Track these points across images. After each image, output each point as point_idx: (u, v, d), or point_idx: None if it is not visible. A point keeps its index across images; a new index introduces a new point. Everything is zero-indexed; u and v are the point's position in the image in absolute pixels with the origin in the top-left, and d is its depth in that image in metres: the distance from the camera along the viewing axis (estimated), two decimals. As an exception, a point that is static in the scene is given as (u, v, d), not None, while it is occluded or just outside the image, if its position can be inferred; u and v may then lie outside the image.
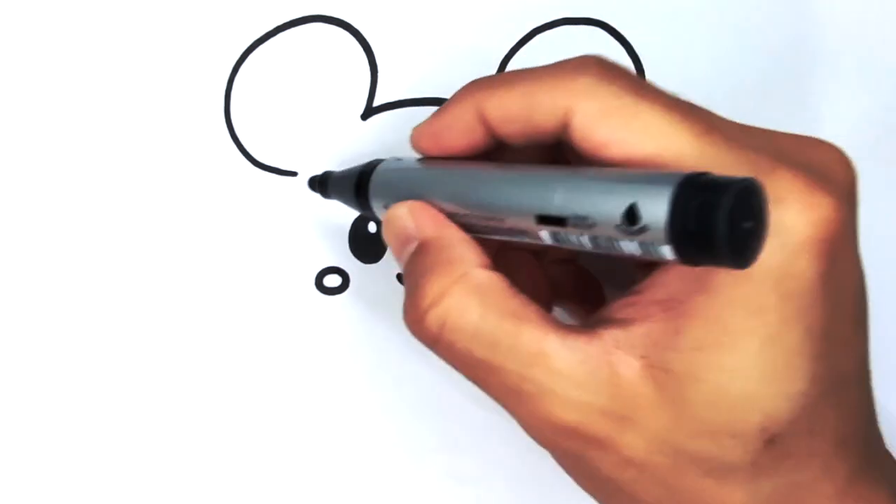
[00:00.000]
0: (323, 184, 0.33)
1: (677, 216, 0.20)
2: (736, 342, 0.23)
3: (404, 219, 0.27)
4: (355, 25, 0.35)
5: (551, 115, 0.24)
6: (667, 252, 0.20)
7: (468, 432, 0.36)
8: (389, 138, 0.35)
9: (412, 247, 0.27)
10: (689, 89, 0.36)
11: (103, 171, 0.35)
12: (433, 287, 0.25)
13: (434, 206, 0.27)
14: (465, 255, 0.25)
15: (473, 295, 0.25)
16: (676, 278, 0.23)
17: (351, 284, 0.35)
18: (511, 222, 0.24)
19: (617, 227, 0.21)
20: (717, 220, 0.19)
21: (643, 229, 0.20)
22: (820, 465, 0.24)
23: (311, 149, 0.35)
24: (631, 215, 0.21)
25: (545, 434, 0.25)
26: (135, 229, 0.35)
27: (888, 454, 0.29)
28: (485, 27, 0.36)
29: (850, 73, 0.37)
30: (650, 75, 0.35)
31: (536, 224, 0.23)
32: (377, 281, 0.35)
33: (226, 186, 0.35)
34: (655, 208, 0.20)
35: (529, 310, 0.25)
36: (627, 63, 0.36)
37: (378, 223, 0.30)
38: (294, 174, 0.35)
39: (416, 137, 0.28)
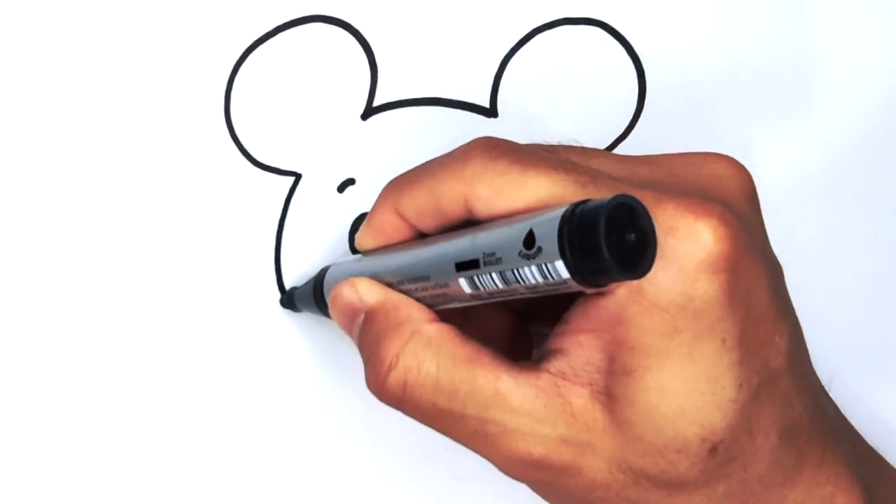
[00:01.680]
0: (290, 300, 0.35)
1: (565, 234, 0.22)
2: (658, 364, 0.25)
3: (347, 293, 0.29)
4: (355, 25, 0.35)
5: (454, 204, 0.27)
6: (563, 272, 0.22)
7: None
8: (389, 138, 0.35)
9: (360, 318, 0.28)
10: (689, 89, 0.36)
11: (103, 170, 0.35)
12: (388, 350, 0.27)
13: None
14: (411, 314, 0.27)
15: (427, 349, 0.26)
16: (596, 309, 0.25)
17: (351, 284, 0.35)
18: (435, 277, 0.26)
19: (519, 254, 0.23)
20: (598, 233, 0.21)
21: (539, 250, 0.23)
22: (766, 459, 0.26)
23: (311, 149, 0.35)
24: (529, 241, 0.23)
25: (515, 469, 0.27)
26: (135, 229, 0.35)
27: (848, 430, 0.31)
28: (485, 27, 0.36)
29: (850, 74, 0.38)
30: (650, 75, 0.35)
31: (456, 272, 0.25)
32: (377, 281, 0.35)
33: (226, 186, 0.35)
34: (548, 231, 0.22)
35: (482, 353, 0.26)
36: (627, 63, 0.36)
37: None
38: (294, 174, 0.35)
39: (359, 242, 0.31)
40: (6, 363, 0.34)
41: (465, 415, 0.26)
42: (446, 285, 0.26)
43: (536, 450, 0.26)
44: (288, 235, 0.35)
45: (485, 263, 0.24)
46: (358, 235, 0.30)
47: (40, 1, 0.35)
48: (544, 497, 0.28)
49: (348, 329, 0.29)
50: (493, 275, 0.24)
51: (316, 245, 0.35)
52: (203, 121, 0.35)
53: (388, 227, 0.29)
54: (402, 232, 0.29)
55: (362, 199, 0.35)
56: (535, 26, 0.36)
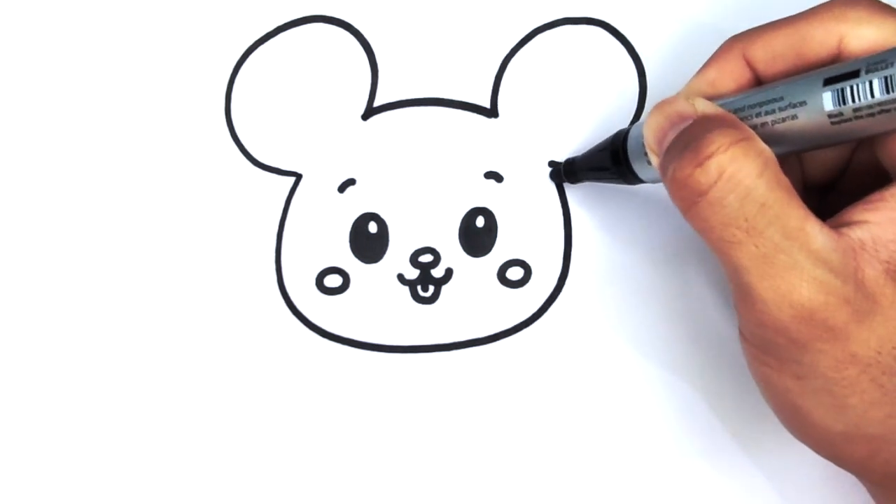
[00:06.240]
0: (570, 168, 0.34)
1: None
2: None
3: (681, 103, 0.27)
4: (356, 25, 0.36)
5: (822, 46, 0.27)
6: None
7: (473, 430, 0.36)
8: (389, 138, 0.35)
9: (685, 124, 0.27)
10: (690, 89, 0.36)
11: (105, 170, 0.35)
12: (721, 138, 0.25)
13: None
14: (749, 131, 0.26)
15: (756, 157, 0.25)
16: None
17: (351, 284, 0.35)
18: (791, 97, 0.25)
19: None
20: None
21: None
22: None
23: (311, 149, 0.35)
24: None
25: (779, 314, 0.25)
26: (135, 228, 0.35)
27: None
28: (485, 27, 0.36)
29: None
30: (650, 75, 0.35)
31: (822, 87, 0.25)
32: (377, 281, 0.35)
33: (226, 186, 0.35)
34: None
35: (795, 193, 0.25)
36: (628, 63, 0.36)
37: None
38: (294, 174, 0.35)
39: (690, 90, 0.29)
40: (7, 364, 0.35)
41: (763, 234, 0.25)
42: (802, 104, 0.25)
43: (817, 296, 0.25)
44: (288, 235, 0.35)
45: (867, 71, 0.24)
46: (689, 84, 0.29)
47: (41, 1, 0.35)
48: (770, 371, 0.27)
49: (662, 137, 0.27)
50: (875, 82, 0.24)
51: (316, 245, 0.35)
52: (204, 121, 0.35)
53: (729, 76, 0.28)
54: (740, 81, 0.28)
55: (362, 199, 0.35)
56: (535, 26, 0.36)
